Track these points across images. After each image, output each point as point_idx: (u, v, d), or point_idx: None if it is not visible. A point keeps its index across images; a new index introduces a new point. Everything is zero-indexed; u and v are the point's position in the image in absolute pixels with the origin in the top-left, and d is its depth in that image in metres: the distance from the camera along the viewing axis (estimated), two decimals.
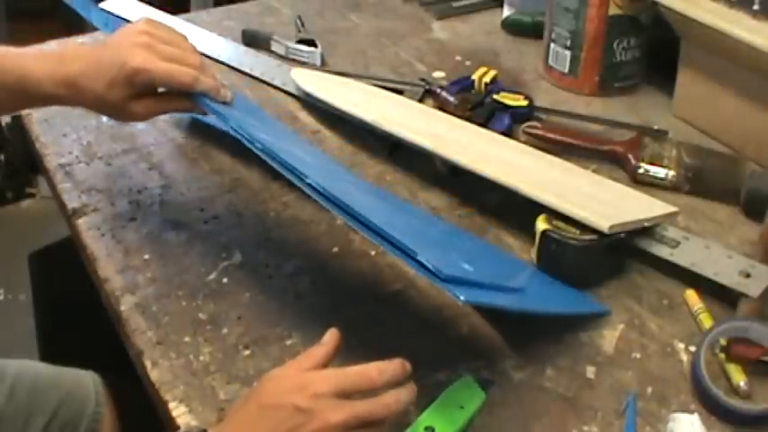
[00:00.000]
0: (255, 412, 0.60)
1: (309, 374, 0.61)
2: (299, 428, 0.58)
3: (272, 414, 0.59)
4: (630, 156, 0.98)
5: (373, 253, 0.86)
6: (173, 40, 0.81)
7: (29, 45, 1.29)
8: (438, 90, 1.11)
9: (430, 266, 0.62)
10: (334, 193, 0.68)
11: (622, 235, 0.81)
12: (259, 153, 0.74)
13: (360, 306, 0.80)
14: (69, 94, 0.80)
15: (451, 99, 1.08)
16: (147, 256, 0.86)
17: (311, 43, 1.25)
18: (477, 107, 1.07)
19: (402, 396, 0.61)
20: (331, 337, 0.65)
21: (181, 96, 0.80)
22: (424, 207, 0.93)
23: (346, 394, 0.60)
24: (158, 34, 0.79)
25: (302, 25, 1.33)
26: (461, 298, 0.61)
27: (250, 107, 0.90)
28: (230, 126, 0.78)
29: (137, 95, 0.79)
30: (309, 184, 0.69)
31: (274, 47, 1.27)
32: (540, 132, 1.02)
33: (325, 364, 0.63)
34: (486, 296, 0.67)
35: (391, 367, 0.61)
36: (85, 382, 0.97)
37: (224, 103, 0.81)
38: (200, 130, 1.08)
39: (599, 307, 0.79)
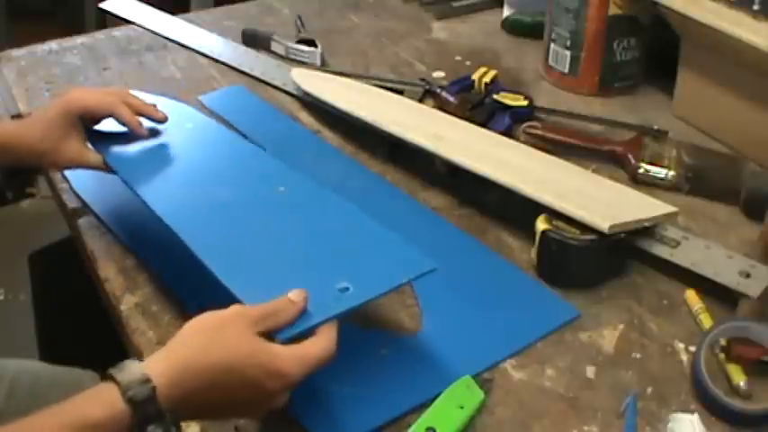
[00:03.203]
0: (222, 376, 0.59)
1: (287, 362, 0.60)
2: (260, 406, 0.61)
3: (240, 392, 0.59)
4: (630, 156, 0.98)
5: None
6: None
7: (29, 45, 1.30)
8: (438, 90, 1.11)
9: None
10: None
11: (622, 235, 0.80)
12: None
13: None
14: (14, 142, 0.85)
15: (451, 99, 1.08)
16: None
17: (311, 43, 1.25)
18: (477, 107, 1.07)
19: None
20: (300, 295, 0.63)
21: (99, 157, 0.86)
22: (424, 207, 0.93)
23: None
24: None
25: (302, 25, 1.33)
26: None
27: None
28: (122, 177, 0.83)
29: (69, 136, 0.85)
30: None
31: (274, 47, 1.27)
32: (540, 132, 1.02)
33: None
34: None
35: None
36: (85, 381, 0.97)
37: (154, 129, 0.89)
38: None
39: (425, 263, 0.71)
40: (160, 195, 0.80)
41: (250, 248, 0.73)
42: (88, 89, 0.92)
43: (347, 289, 0.67)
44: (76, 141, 0.85)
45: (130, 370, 0.57)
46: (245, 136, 1.06)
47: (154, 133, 0.89)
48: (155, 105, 0.89)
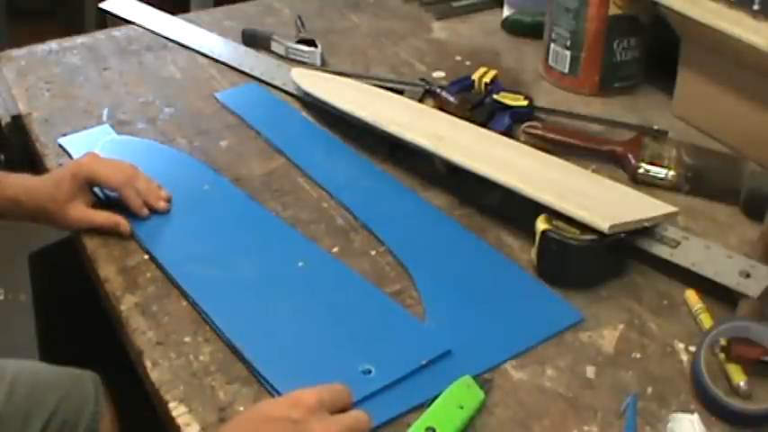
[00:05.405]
0: (249, 426, 0.61)
1: (298, 392, 0.63)
2: None
3: (267, 427, 0.60)
4: (630, 156, 0.98)
5: (373, 253, 0.86)
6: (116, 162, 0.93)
7: (29, 45, 1.30)
8: (438, 90, 1.11)
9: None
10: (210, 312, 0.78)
11: (622, 235, 0.80)
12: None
13: None
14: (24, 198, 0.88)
15: (451, 99, 1.08)
16: (146, 257, 0.86)
17: (311, 43, 1.25)
18: (477, 107, 1.07)
19: (368, 416, 0.64)
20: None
21: (110, 214, 0.89)
22: (432, 207, 0.93)
23: (330, 410, 0.63)
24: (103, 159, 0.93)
25: (302, 25, 1.33)
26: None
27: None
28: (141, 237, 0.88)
29: (75, 199, 0.88)
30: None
31: (274, 47, 1.27)
32: (540, 132, 1.02)
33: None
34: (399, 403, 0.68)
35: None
36: (84, 381, 0.97)
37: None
38: (199, 131, 1.08)
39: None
40: (185, 269, 0.83)
41: (277, 331, 0.76)
42: (101, 159, 0.92)
43: (369, 371, 0.70)
44: (81, 204, 0.88)
45: None
46: (259, 133, 1.07)
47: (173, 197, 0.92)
48: (160, 188, 0.91)
